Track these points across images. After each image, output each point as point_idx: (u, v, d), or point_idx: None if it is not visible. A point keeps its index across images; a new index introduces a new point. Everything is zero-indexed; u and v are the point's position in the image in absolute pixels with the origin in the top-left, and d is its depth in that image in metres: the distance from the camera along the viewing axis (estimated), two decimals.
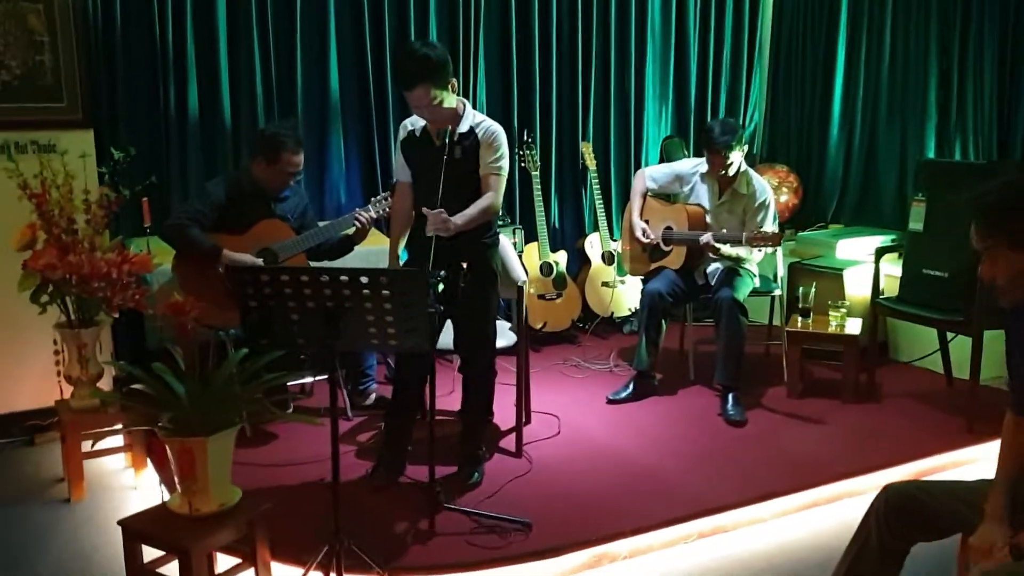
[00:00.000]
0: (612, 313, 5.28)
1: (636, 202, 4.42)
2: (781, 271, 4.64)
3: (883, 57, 5.33)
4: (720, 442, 3.77)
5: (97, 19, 4.16)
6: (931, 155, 5.04)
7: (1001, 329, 2.33)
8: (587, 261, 5.31)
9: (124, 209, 3.70)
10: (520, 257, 4.22)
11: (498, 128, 3.22)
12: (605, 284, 5.26)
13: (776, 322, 4.74)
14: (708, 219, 4.25)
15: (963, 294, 3.87)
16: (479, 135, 3.19)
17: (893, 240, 4.88)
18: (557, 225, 5.54)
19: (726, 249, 4.09)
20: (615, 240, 5.22)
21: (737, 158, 4.13)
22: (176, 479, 2.52)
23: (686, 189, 4.38)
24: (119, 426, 3.48)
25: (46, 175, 3.37)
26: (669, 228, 4.30)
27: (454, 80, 3.12)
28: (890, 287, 4.47)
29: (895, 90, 5.29)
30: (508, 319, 3.95)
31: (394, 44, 4.82)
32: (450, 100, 3.11)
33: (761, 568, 2.95)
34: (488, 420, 3.66)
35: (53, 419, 3.70)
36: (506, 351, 3.59)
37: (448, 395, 3.90)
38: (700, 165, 4.31)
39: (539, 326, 5.00)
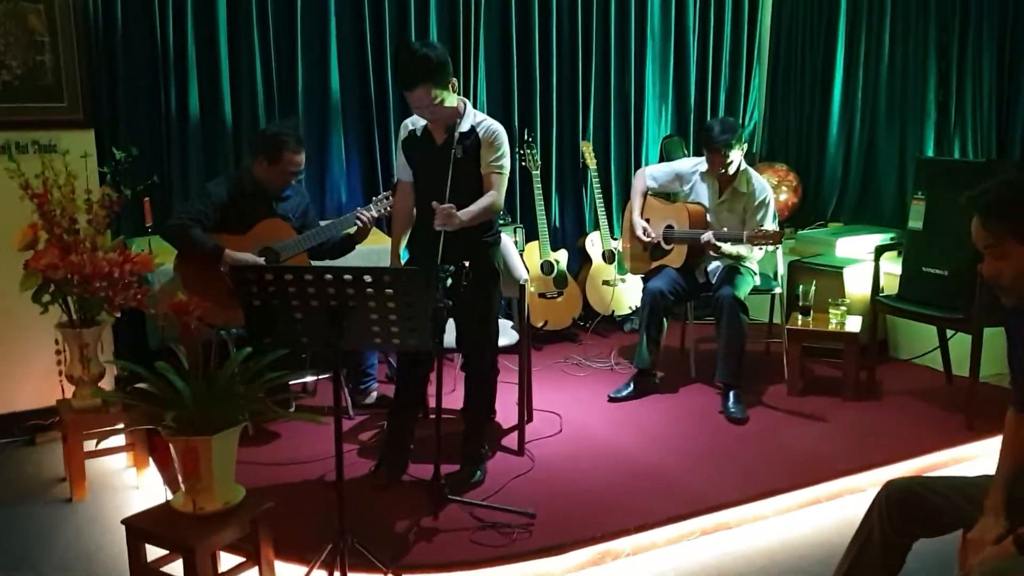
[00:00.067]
0: (613, 311, 5.29)
1: (637, 201, 4.43)
2: (781, 269, 4.65)
3: (882, 55, 5.34)
4: (721, 440, 3.78)
5: (98, 19, 4.17)
6: (930, 153, 5.05)
7: (1001, 327, 2.34)
8: (588, 260, 5.32)
9: (125, 209, 3.71)
10: (521, 256, 4.22)
11: (499, 127, 3.23)
12: (606, 282, 5.26)
13: (776, 320, 4.75)
14: (709, 217, 4.26)
15: (963, 292, 3.88)
16: (480, 134, 3.19)
17: (893, 238, 4.88)
18: (558, 224, 5.55)
19: (727, 247, 4.10)
20: (616, 239, 5.23)
21: (737, 157, 4.14)
22: (180, 478, 2.53)
23: (686, 188, 4.39)
24: (121, 426, 3.47)
25: (48, 175, 3.37)
26: (670, 227, 4.31)
27: (455, 80, 3.13)
28: (890, 285, 4.48)
29: (894, 88, 5.29)
30: (509, 318, 3.96)
31: (394, 44, 4.82)
32: (451, 100, 3.12)
33: (764, 565, 2.96)
34: (490, 418, 3.66)
35: (54, 419, 3.71)
36: (508, 349, 3.59)
37: (450, 393, 3.91)
38: (700, 164, 4.33)
39: (540, 325, 5.01)
